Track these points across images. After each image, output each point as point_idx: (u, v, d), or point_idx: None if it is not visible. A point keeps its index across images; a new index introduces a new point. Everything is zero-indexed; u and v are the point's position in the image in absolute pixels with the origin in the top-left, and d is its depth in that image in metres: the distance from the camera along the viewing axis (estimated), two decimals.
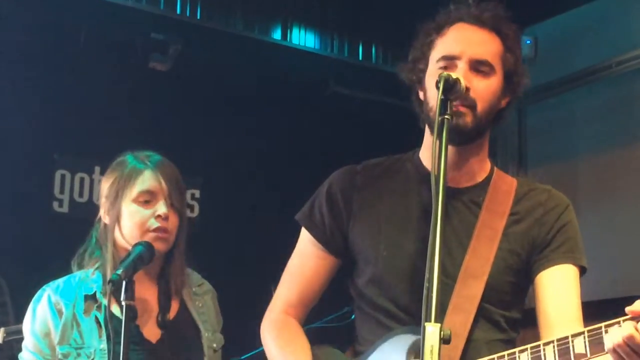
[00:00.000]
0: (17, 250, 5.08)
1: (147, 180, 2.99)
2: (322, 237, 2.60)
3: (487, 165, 2.59)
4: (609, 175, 5.94)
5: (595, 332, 2.06)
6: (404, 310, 2.43)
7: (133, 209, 2.97)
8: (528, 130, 6.64)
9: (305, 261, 2.64)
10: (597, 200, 5.61)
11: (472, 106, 2.39)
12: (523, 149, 6.61)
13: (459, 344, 2.33)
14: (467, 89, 2.36)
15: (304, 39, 6.17)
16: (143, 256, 2.83)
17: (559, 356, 2.10)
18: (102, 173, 5.64)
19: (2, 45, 5.28)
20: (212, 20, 5.78)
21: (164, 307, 3.03)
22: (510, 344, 2.39)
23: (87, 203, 5.52)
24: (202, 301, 3.13)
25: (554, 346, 2.11)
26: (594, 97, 6.15)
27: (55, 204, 5.50)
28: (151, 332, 3.00)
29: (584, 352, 2.07)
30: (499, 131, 6.34)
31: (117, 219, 2.99)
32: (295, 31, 6.13)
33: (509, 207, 2.49)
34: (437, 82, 2.28)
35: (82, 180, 5.60)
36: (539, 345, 2.15)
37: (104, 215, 3.04)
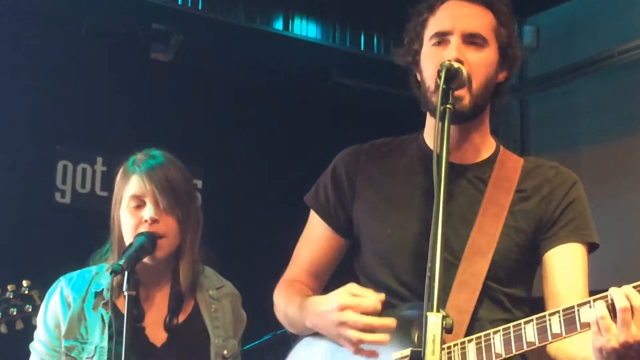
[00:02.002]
0: (19, 241, 5.08)
1: (133, 185, 2.99)
2: (327, 216, 2.65)
3: (492, 142, 2.60)
4: (611, 165, 5.94)
5: (569, 311, 2.08)
6: (408, 288, 2.44)
7: (126, 214, 2.98)
8: (530, 120, 6.64)
9: (314, 241, 2.69)
10: (600, 189, 5.60)
11: (467, 82, 2.36)
12: (525, 139, 6.60)
13: (464, 320, 2.34)
14: (469, 74, 2.36)
15: (305, 29, 6.16)
16: (145, 246, 2.84)
17: (538, 334, 2.11)
18: (104, 164, 5.71)
19: (3, 35, 5.27)
20: (214, 11, 5.77)
21: (173, 310, 3.02)
22: None
23: (89, 194, 5.51)
24: (218, 305, 3.10)
25: (533, 325, 2.13)
26: (597, 87, 6.14)
27: (58, 195, 5.49)
28: (157, 335, 3.00)
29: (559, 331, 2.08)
30: (501, 121, 6.35)
31: (119, 222, 3.01)
32: (297, 22, 6.11)
33: (515, 183, 2.49)
34: (439, 71, 2.28)
35: (84, 171, 5.59)
36: (520, 324, 2.15)
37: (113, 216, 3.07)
